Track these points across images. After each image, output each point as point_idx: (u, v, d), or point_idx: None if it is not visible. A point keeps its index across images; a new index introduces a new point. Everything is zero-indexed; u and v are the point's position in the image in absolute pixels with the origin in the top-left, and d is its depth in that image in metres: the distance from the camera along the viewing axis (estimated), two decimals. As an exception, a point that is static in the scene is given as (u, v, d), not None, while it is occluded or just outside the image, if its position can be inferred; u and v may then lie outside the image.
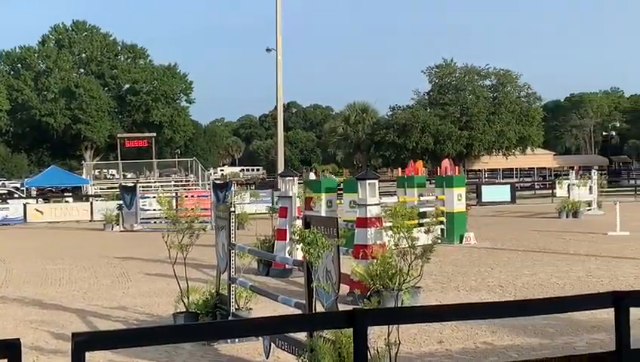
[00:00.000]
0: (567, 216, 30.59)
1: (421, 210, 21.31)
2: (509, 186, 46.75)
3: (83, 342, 4.04)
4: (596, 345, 9.37)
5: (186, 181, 57.51)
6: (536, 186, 58.13)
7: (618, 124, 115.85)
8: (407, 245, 8.62)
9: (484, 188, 45.50)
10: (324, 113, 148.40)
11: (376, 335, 6.94)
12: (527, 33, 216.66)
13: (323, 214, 17.04)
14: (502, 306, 7.37)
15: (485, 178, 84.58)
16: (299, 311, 8.15)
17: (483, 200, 42.15)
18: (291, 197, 17.15)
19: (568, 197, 32.51)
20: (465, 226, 22.47)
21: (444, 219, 22.00)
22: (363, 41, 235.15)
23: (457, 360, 9.04)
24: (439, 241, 13.57)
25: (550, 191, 44.03)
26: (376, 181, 14.08)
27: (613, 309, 6.64)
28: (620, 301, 6.68)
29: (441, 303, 11.81)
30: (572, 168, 57.09)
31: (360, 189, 13.86)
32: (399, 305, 10.10)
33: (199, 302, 10.92)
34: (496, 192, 44.29)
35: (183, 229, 10.72)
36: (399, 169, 27.29)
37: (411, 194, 22.36)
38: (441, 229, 21.75)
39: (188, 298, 10.94)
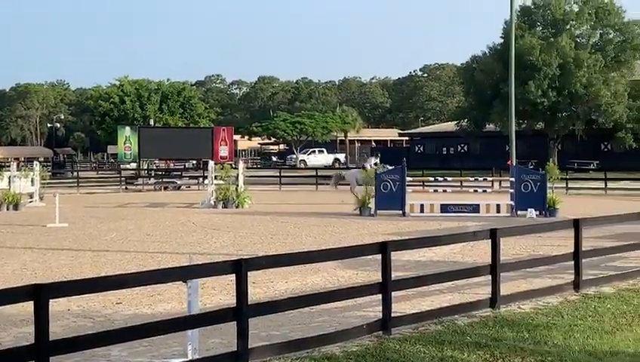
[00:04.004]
0: (7, 209, 30.11)
1: None
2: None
3: None
4: (24, 339, 9.32)
5: None
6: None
7: (63, 116, 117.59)
8: None
9: None
10: None
11: None
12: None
13: None
14: None
15: None
16: None
17: None
18: None
19: (9, 189, 31.99)
20: None
21: None
22: None
23: None
24: None
25: (-8, 182, 42.74)
26: None
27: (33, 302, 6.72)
28: (39, 293, 6.79)
29: None
30: (17, 159, 56.26)
31: None
32: None
33: None
34: None
35: None
36: None
37: None
38: None
39: None
